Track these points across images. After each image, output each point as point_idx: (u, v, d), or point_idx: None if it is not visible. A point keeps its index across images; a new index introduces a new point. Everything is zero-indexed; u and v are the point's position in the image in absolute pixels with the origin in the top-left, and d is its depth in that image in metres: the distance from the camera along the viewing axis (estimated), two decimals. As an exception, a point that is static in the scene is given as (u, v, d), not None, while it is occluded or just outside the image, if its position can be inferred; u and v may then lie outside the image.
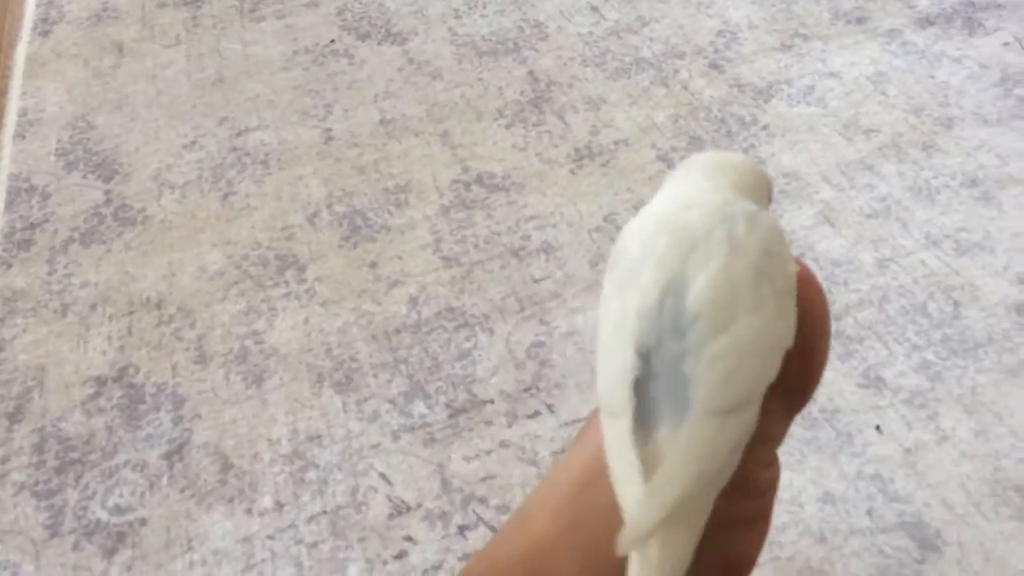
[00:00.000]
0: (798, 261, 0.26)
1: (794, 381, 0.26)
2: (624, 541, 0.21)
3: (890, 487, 0.81)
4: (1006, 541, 0.77)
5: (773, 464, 0.28)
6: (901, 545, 0.77)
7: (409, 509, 0.85)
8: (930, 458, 0.83)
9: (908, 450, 0.84)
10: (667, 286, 0.23)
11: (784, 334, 0.23)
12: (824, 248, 1.04)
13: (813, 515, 0.80)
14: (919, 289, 0.98)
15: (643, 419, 0.23)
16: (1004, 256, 1.00)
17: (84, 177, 1.27)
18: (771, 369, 0.23)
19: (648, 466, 0.22)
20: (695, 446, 0.22)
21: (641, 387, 0.23)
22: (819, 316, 0.27)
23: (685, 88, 1.31)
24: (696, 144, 1.21)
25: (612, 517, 0.23)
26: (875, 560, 0.76)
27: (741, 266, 0.23)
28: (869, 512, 0.80)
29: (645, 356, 0.23)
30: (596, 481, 0.25)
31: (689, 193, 0.24)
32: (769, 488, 0.27)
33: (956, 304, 0.96)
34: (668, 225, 0.24)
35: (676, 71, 1.34)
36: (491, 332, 1.00)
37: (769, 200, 0.27)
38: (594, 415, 0.27)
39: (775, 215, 1.07)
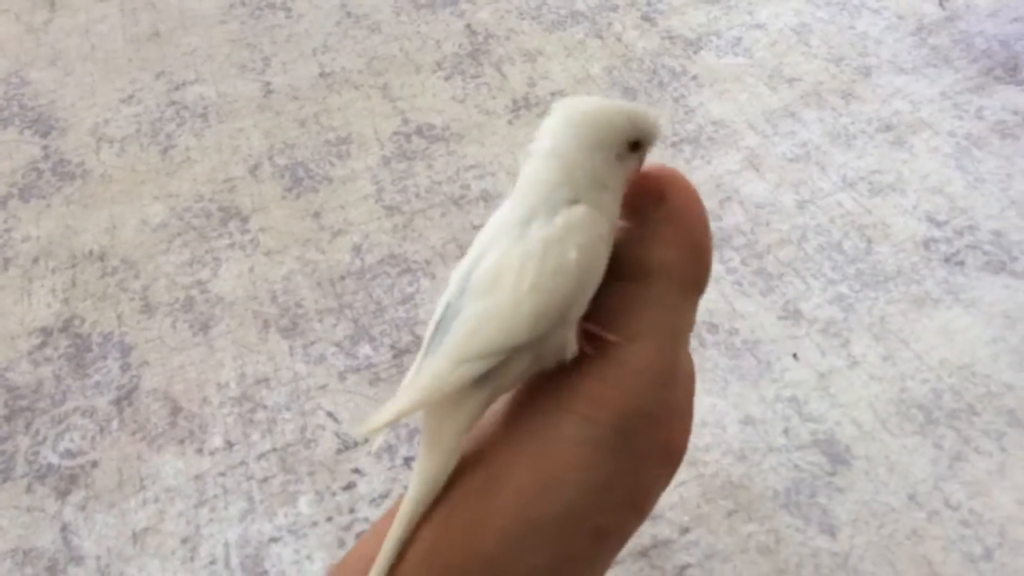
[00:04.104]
0: (661, 171, 0.33)
1: (687, 275, 0.31)
2: (359, 427, 0.30)
3: (805, 408, 0.87)
4: (909, 454, 0.83)
5: (686, 356, 0.33)
6: (814, 460, 0.84)
7: (356, 444, 0.89)
8: (841, 382, 0.89)
9: (822, 375, 0.90)
10: (473, 261, 0.31)
11: (541, 302, 0.30)
12: (749, 191, 1.09)
13: (735, 436, 0.86)
14: (835, 228, 1.04)
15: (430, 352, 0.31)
16: (914, 196, 1.07)
17: (20, 133, 1.26)
18: (515, 334, 0.30)
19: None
20: (426, 379, 0.29)
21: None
22: (696, 215, 0.32)
23: (619, 40, 1.34)
24: (630, 95, 1.24)
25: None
26: (790, 475, 0.83)
27: (514, 254, 0.30)
28: (785, 432, 0.86)
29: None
30: None
31: (528, 183, 0.32)
32: (691, 379, 0.33)
33: (869, 241, 1.02)
34: (496, 221, 0.32)
35: (610, 23, 1.38)
36: (433, 277, 1.03)
37: (643, 143, 0.33)
38: None
39: (704, 161, 1.11)
